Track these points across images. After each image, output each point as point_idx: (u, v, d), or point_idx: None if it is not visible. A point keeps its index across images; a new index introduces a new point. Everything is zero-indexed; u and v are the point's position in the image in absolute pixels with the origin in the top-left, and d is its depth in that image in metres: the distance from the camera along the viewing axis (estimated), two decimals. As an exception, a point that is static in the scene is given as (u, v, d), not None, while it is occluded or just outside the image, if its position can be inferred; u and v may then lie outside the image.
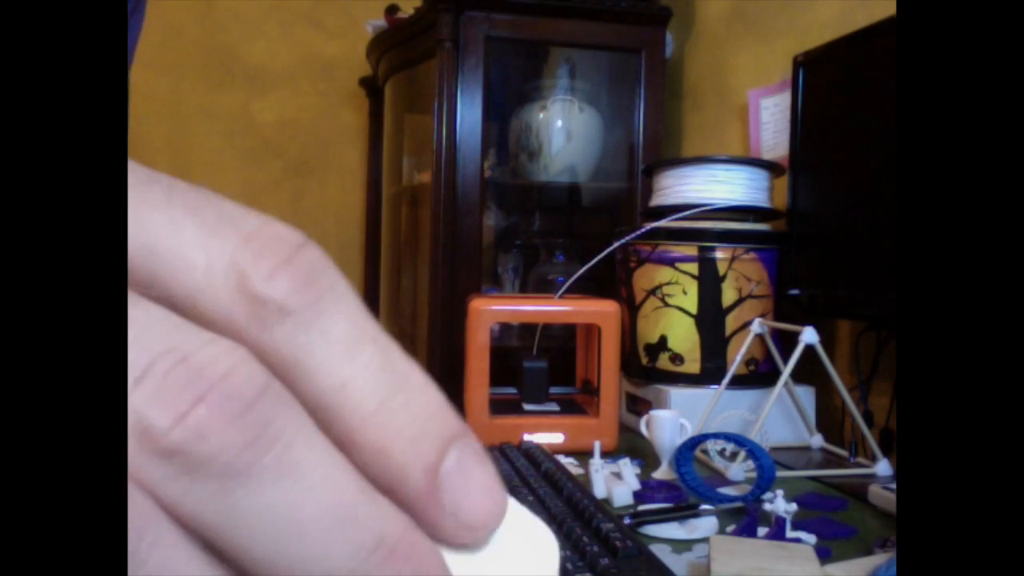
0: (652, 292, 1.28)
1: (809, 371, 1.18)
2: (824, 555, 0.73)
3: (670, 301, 1.26)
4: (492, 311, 1.13)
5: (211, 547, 0.14)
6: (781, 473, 1.00)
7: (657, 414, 1.05)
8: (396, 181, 2.14)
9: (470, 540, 0.15)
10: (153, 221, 0.15)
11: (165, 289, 0.14)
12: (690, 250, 1.25)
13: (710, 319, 1.25)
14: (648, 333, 1.29)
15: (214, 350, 0.13)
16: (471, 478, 0.15)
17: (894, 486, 0.92)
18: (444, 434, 0.15)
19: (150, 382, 0.13)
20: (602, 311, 1.15)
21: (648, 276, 1.29)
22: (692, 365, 1.26)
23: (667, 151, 1.85)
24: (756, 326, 1.19)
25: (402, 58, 1.91)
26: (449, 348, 1.65)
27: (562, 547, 0.64)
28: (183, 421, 0.13)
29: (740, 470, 0.99)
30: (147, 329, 0.13)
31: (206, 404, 0.13)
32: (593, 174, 1.89)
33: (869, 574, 0.62)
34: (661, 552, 0.75)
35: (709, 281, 1.25)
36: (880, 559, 0.65)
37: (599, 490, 0.93)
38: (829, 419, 1.28)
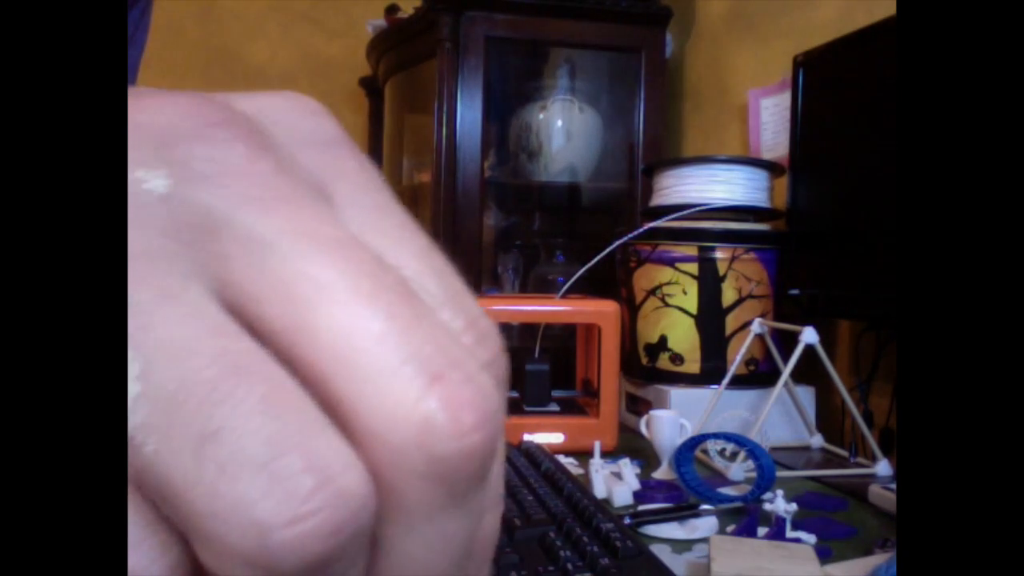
0: (652, 292, 1.28)
1: (809, 371, 1.18)
2: (824, 555, 0.72)
3: (670, 301, 1.26)
4: (492, 311, 1.12)
5: None
6: (781, 473, 1.00)
7: (657, 414, 1.05)
8: (396, 181, 2.14)
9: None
10: (312, 260, 0.13)
11: (310, 358, 0.12)
12: (690, 250, 1.25)
13: (710, 319, 1.25)
14: (648, 333, 1.29)
15: (351, 479, 0.12)
16: None
17: (894, 486, 0.92)
18: None
19: (274, 478, 0.11)
20: (602, 311, 1.15)
21: (648, 276, 1.28)
22: (692, 365, 1.26)
23: (667, 151, 1.85)
24: (756, 326, 1.19)
25: (402, 58, 1.91)
26: (449, 348, 1.65)
27: (562, 547, 0.64)
28: (293, 525, 0.11)
29: (740, 470, 0.99)
30: (287, 416, 0.12)
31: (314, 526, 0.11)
32: (593, 174, 1.89)
33: (869, 574, 0.62)
34: (661, 552, 0.75)
35: (709, 281, 1.25)
36: (880, 559, 0.65)
37: (599, 490, 0.93)
38: (829, 419, 1.28)
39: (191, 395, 0.12)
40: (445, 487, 0.12)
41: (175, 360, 0.12)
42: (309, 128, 0.15)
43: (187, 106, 0.13)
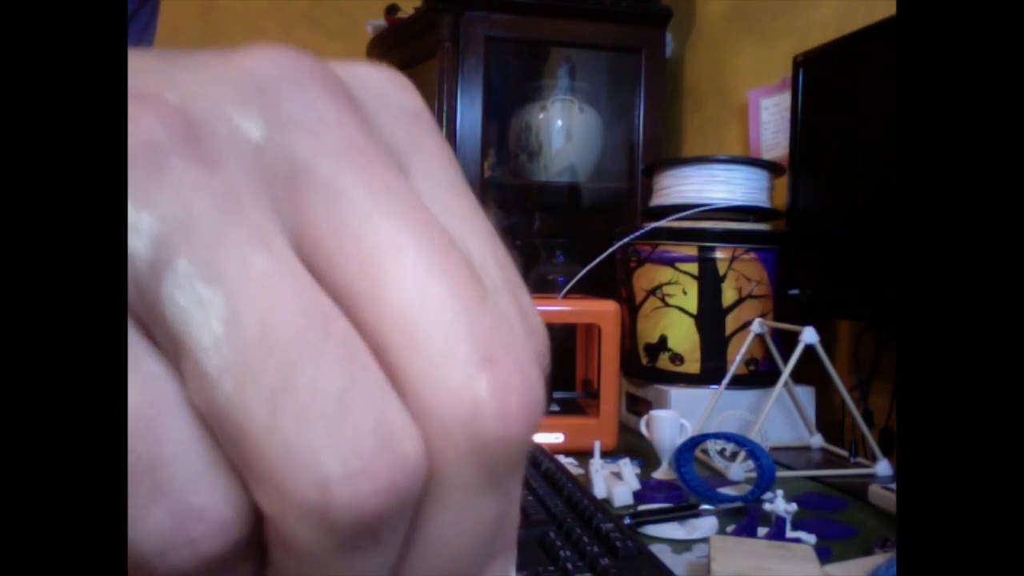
0: (652, 292, 1.28)
1: (809, 371, 1.18)
2: (824, 555, 0.73)
3: (670, 301, 1.26)
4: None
5: None
6: (781, 473, 1.00)
7: (657, 414, 1.05)
8: (396, 181, 2.14)
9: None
10: (389, 219, 0.13)
11: (376, 324, 0.13)
12: (690, 250, 1.25)
13: (710, 319, 1.25)
14: (648, 333, 1.29)
15: (411, 446, 0.12)
16: None
17: (894, 486, 0.92)
18: None
19: (346, 439, 0.12)
20: (602, 311, 1.15)
21: (648, 276, 1.28)
22: (692, 365, 1.26)
23: (667, 151, 1.85)
24: (756, 326, 1.19)
25: (402, 58, 1.91)
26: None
27: (562, 547, 0.64)
28: (354, 482, 0.12)
29: (740, 470, 0.99)
30: (359, 376, 0.12)
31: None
32: (593, 174, 1.89)
33: (869, 574, 0.62)
34: (661, 552, 0.75)
35: (709, 281, 1.25)
36: (880, 559, 0.65)
37: (599, 490, 0.93)
38: (829, 419, 1.28)
39: (276, 343, 0.12)
40: (484, 469, 0.13)
41: (265, 305, 0.12)
42: (396, 98, 0.15)
43: (283, 56, 0.14)
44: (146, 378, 0.12)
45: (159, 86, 0.13)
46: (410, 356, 0.12)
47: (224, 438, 0.12)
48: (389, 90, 0.15)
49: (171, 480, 0.12)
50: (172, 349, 0.12)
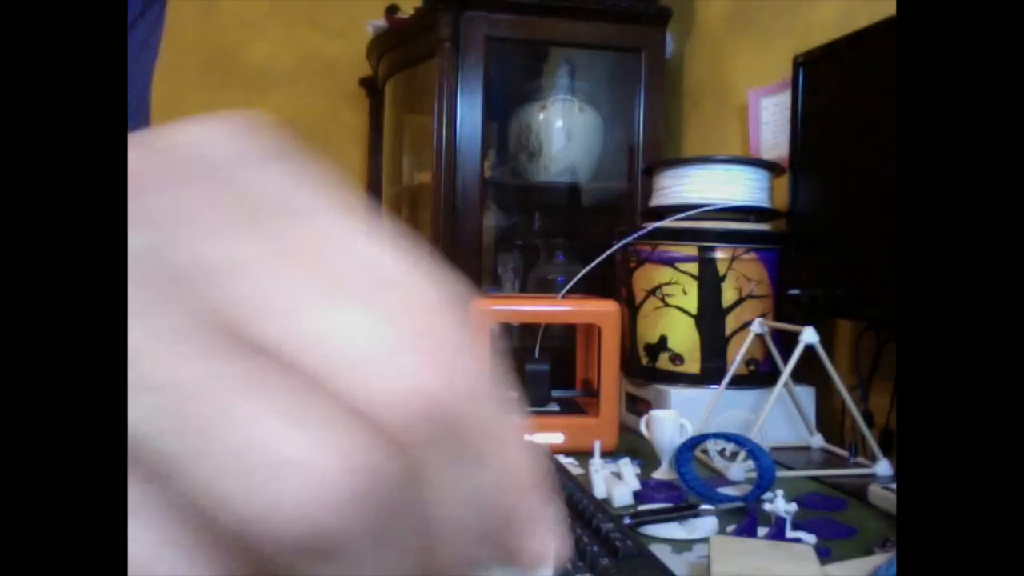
0: (652, 292, 1.28)
1: (809, 371, 1.18)
2: (824, 555, 0.73)
3: (670, 301, 1.26)
4: (492, 311, 1.13)
5: None
6: (781, 473, 1.00)
7: (657, 414, 1.05)
8: (396, 181, 2.14)
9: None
10: (282, 273, 0.14)
11: (305, 360, 0.13)
12: (690, 250, 1.25)
13: (710, 319, 1.25)
14: (648, 333, 1.29)
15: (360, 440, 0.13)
16: None
17: (894, 486, 0.92)
18: None
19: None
20: (602, 311, 1.15)
21: (648, 276, 1.28)
22: (692, 365, 1.26)
23: (667, 151, 1.85)
24: (756, 326, 1.19)
25: (402, 58, 1.91)
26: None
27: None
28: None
29: (740, 470, 0.99)
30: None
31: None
32: (593, 174, 1.89)
33: (869, 574, 0.62)
34: (661, 552, 0.75)
35: (709, 281, 1.25)
36: (880, 559, 0.65)
37: (599, 490, 0.93)
38: (829, 419, 1.28)
39: (207, 420, 0.13)
40: (455, 443, 0.14)
41: (185, 398, 0.13)
42: (227, 154, 0.16)
43: (139, 160, 0.14)
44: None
45: None
46: (350, 376, 0.13)
47: (203, 524, 0.13)
48: (235, 145, 0.16)
49: None
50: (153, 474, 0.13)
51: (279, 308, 0.13)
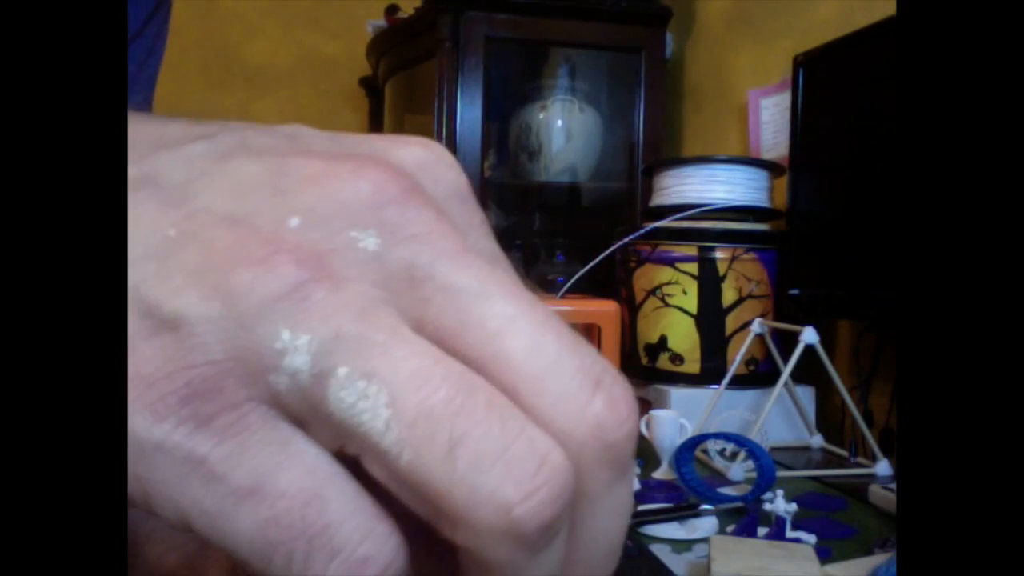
0: (652, 292, 1.28)
1: (809, 371, 1.18)
2: (824, 555, 0.73)
3: (670, 301, 1.26)
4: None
5: None
6: (781, 473, 1.00)
7: (657, 414, 1.05)
8: (396, 181, 2.14)
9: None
10: (499, 300, 0.16)
11: (504, 376, 0.16)
12: (690, 250, 1.25)
13: (710, 319, 1.25)
14: (648, 333, 1.29)
15: (559, 457, 0.15)
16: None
17: (894, 486, 0.92)
18: None
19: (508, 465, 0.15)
20: (602, 311, 1.15)
21: (648, 276, 1.29)
22: (692, 365, 1.26)
23: (667, 151, 1.85)
24: (756, 326, 1.19)
25: (402, 58, 1.91)
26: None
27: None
28: (529, 499, 0.15)
29: (740, 470, 0.99)
30: (508, 421, 0.15)
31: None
32: (593, 174, 1.89)
33: (869, 574, 0.62)
34: (661, 552, 0.75)
35: (709, 281, 1.25)
36: (880, 559, 0.65)
37: (599, 490, 0.93)
38: (829, 419, 1.28)
39: (438, 414, 0.15)
40: (616, 465, 0.16)
41: (418, 386, 0.15)
42: (450, 181, 0.19)
43: (380, 175, 0.17)
44: (305, 461, 0.15)
45: (277, 213, 0.16)
46: (540, 395, 0.16)
47: (412, 497, 0.15)
48: (442, 172, 0.19)
49: (341, 537, 0.15)
50: (335, 437, 0.15)
51: (489, 327, 0.16)
